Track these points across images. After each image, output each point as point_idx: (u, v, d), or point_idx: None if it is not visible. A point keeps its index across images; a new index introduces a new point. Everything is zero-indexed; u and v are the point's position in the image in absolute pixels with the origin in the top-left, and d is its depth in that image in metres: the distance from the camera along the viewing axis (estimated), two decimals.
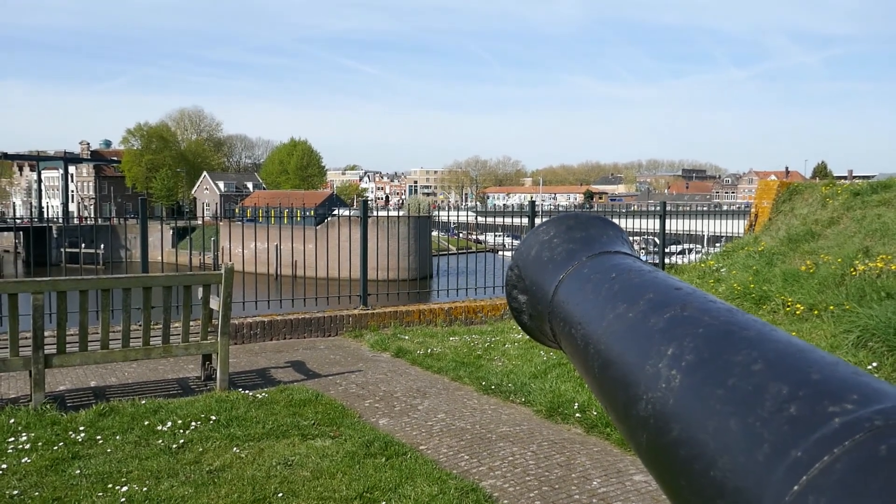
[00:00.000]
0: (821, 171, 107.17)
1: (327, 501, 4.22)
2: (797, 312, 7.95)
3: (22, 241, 55.85)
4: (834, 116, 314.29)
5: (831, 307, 7.59)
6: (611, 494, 4.45)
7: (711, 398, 0.66)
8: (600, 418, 5.71)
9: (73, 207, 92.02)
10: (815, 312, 7.70)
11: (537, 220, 11.98)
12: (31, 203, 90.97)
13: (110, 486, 4.37)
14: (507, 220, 27.09)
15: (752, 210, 13.61)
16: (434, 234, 46.70)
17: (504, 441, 5.40)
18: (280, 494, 4.30)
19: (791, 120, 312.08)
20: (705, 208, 20.94)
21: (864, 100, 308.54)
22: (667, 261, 14.46)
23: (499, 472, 4.81)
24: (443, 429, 5.72)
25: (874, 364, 6.13)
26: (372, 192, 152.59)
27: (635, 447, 0.81)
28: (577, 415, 5.89)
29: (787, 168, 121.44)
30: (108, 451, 4.95)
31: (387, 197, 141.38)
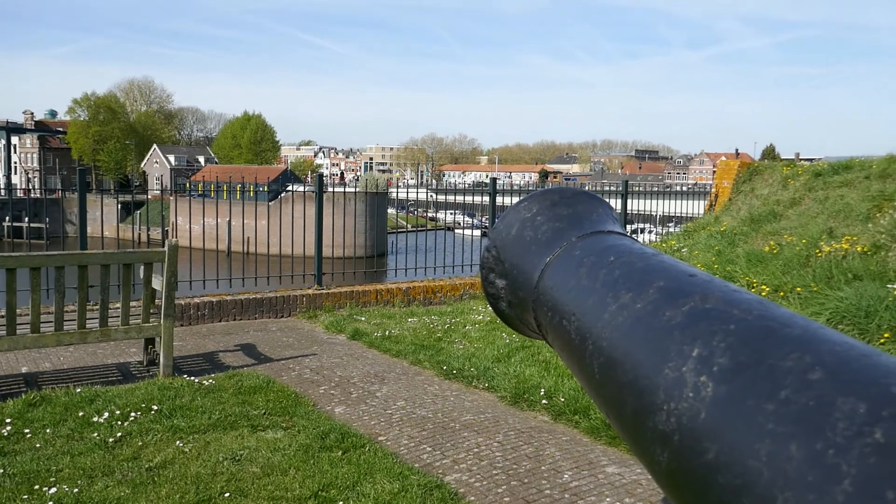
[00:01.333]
0: (769, 154, 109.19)
1: (279, 502, 3.88)
2: (762, 294, 7.82)
3: None
4: (783, 100, 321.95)
5: (798, 289, 7.48)
6: (583, 489, 4.20)
7: (759, 414, 0.55)
8: (568, 405, 5.46)
9: (16, 180, 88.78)
10: (781, 294, 7.59)
11: (498, 199, 11.70)
12: None
13: (37, 487, 3.95)
14: (468, 199, 26.86)
15: (713, 190, 13.56)
16: (391, 211, 46.28)
17: (468, 431, 5.11)
18: (227, 494, 3.94)
19: (741, 102, 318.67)
20: (656, 188, 21.00)
21: (812, 84, 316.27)
22: None
23: (464, 465, 4.52)
24: (403, 417, 5.40)
25: None
26: (327, 167, 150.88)
27: (648, 464, 0.70)
28: (544, 401, 5.63)
29: (737, 150, 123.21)
30: (37, 446, 4.52)
31: (342, 173, 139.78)
